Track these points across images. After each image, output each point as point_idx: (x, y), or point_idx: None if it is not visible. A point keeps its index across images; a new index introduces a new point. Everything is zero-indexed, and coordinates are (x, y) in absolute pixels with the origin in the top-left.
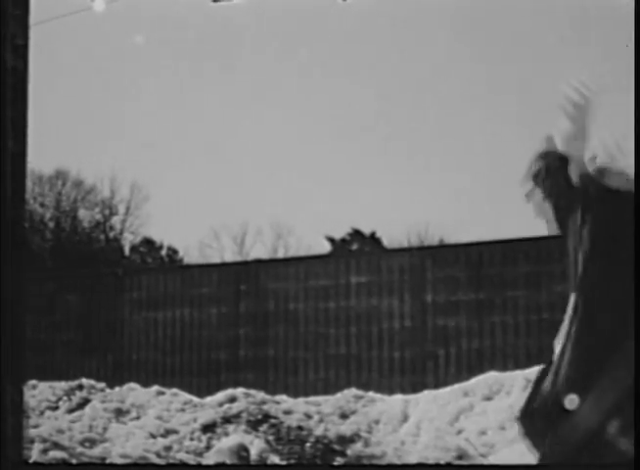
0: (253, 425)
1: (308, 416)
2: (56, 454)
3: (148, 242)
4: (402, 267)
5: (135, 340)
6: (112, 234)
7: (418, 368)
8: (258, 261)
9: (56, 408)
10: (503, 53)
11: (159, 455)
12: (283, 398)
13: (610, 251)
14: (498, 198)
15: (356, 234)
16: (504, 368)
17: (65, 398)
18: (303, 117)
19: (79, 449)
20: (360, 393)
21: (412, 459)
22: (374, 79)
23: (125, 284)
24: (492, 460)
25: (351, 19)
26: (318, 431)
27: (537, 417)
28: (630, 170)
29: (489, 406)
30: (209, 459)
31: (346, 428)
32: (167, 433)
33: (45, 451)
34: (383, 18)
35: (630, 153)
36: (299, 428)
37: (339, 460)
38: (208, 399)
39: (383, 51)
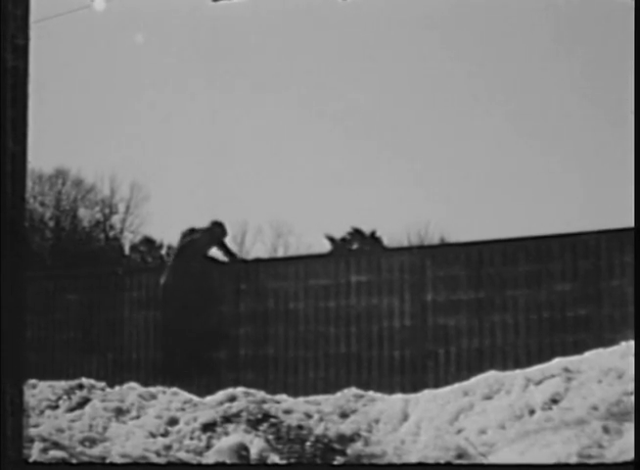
0: (253, 424)
1: (308, 415)
2: (56, 454)
3: (148, 241)
4: (402, 266)
5: (135, 339)
6: (112, 233)
7: (418, 367)
8: (258, 260)
9: (56, 407)
10: (504, 53)
11: (158, 454)
12: (283, 397)
13: None
14: (498, 198)
15: (356, 233)
16: (504, 367)
17: (65, 397)
18: (304, 116)
19: (79, 449)
20: (360, 392)
21: (412, 458)
22: (375, 79)
23: (125, 283)
24: (492, 459)
25: (351, 19)
26: (318, 430)
27: None
28: None
29: (489, 406)
30: (209, 458)
31: (346, 427)
32: (169, 428)
33: (45, 451)
34: (383, 18)
35: None
36: (299, 427)
37: (339, 459)
38: (209, 399)
39: (383, 51)
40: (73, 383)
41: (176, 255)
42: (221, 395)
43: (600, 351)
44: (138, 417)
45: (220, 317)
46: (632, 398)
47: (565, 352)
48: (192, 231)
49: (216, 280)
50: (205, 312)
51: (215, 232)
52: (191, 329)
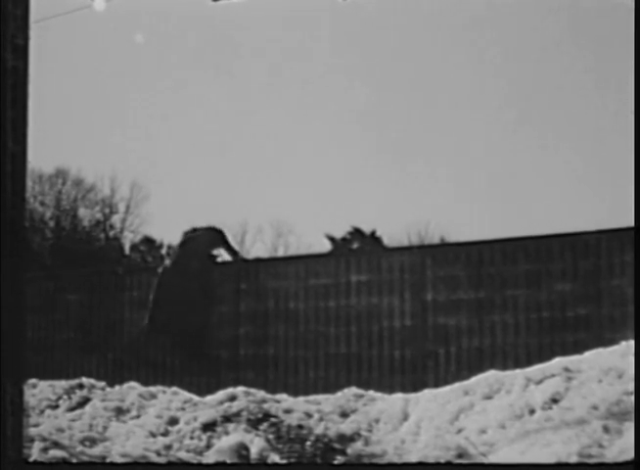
0: (254, 424)
1: (308, 415)
2: (56, 453)
3: (148, 241)
4: (402, 266)
5: (135, 338)
6: (112, 233)
7: (418, 367)
8: (258, 260)
9: (56, 407)
10: (503, 53)
11: (159, 454)
12: (283, 396)
13: None
14: (498, 198)
15: (356, 233)
16: (504, 367)
17: (65, 396)
18: (304, 115)
19: (79, 448)
20: (360, 391)
21: (412, 458)
22: (374, 79)
23: (125, 283)
24: (492, 459)
25: (351, 19)
26: (318, 430)
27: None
28: None
29: (489, 405)
30: (210, 458)
31: (347, 427)
32: (169, 428)
33: (45, 450)
34: (383, 18)
35: None
36: (300, 427)
37: (339, 459)
38: (209, 398)
39: (383, 50)
40: (74, 382)
41: (179, 246)
42: (221, 394)
43: (600, 350)
44: (138, 417)
45: (216, 314)
46: (632, 397)
47: (565, 352)
48: (194, 230)
49: (216, 278)
50: (200, 307)
51: (217, 236)
52: (181, 320)
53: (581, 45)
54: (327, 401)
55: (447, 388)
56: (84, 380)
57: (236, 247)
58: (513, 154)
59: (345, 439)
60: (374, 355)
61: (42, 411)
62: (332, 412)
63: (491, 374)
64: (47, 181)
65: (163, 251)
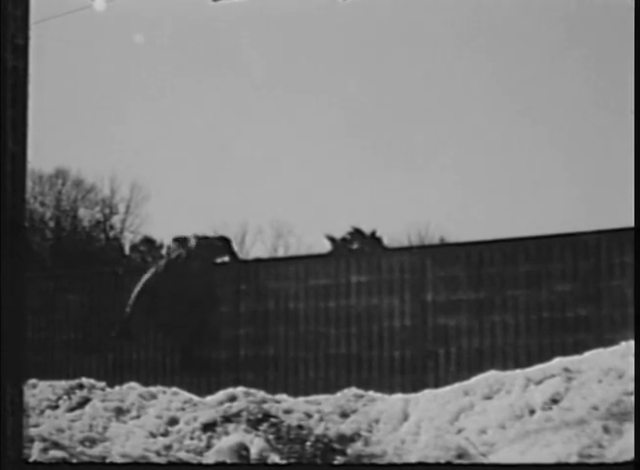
0: (254, 424)
1: (308, 415)
2: (56, 453)
3: (148, 241)
4: (403, 267)
5: (135, 339)
6: (112, 233)
7: (418, 367)
8: (258, 261)
9: (56, 407)
10: (504, 53)
11: (159, 454)
12: (283, 397)
13: None
14: (498, 198)
15: (357, 233)
16: (504, 367)
17: (65, 397)
18: (304, 116)
19: (79, 449)
20: (360, 392)
21: (412, 458)
22: (374, 79)
23: (125, 283)
24: (492, 459)
25: (351, 19)
26: (318, 430)
27: None
28: None
29: (489, 405)
30: (210, 458)
31: (347, 427)
32: (169, 428)
33: (45, 450)
34: (383, 18)
35: None
36: (300, 427)
37: (339, 459)
38: (209, 399)
39: (383, 51)
40: (73, 383)
41: (185, 249)
42: (221, 394)
43: (600, 351)
44: (138, 417)
45: (216, 315)
46: (632, 398)
47: (565, 352)
48: (205, 238)
49: (216, 278)
50: (198, 307)
51: (224, 246)
52: (179, 321)
53: (582, 45)
54: (327, 402)
55: (447, 388)
56: (84, 380)
57: (238, 253)
58: (513, 154)
59: (345, 439)
60: (374, 356)
61: (42, 411)
62: (332, 413)
63: (491, 374)
64: (47, 181)
65: (163, 251)
